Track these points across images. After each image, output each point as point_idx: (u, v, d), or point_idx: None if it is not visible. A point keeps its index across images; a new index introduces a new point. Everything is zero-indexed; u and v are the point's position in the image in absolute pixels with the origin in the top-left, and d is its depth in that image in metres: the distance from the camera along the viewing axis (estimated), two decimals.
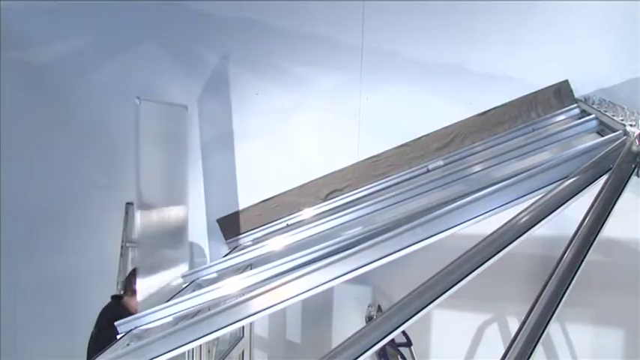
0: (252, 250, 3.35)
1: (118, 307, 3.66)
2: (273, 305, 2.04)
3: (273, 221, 4.01)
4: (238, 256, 3.38)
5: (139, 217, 3.32)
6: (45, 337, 4.50)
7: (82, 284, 4.18)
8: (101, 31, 4.34)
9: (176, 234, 3.75)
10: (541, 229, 1.97)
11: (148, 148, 3.45)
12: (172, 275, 3.58)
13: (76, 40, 4.35)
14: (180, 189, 3.89)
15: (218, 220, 4.17)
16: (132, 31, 4.33)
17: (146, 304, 3.21)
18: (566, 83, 3.74)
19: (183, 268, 3.73)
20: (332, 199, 3.94)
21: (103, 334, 3.44)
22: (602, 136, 2.86)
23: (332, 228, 3.40)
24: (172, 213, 3.73)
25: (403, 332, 3.53)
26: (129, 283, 3.73)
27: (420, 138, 3.88)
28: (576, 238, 2.00)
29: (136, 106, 3.35)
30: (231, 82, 4.24)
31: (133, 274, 3.69)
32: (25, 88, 4.43)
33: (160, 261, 3.54)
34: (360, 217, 3.45)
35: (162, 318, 2.73)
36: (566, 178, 2.07)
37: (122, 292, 3.79)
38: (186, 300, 2.71)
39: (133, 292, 3.56)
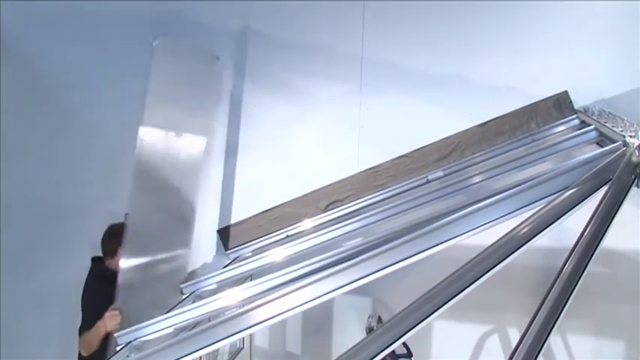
0: (252, 261, 3.35)
1: (101, 267, 3.57)
2: (274, 316, 2.04)
3: (273, 232, 4.01)
4: (238, 267, 3.39)
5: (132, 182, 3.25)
6: (45, 351, 4.48)
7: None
8: (101, 41, 4.35)
9: (179, 218, 3.72)
10: (541, 240, 1.98)
11: (159, 103, 3.27)
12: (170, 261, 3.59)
13: (75, 51, 4.36)
14: (193, 162, 3.79)
15: (218, 231, 4.17)
16: (132, 41, 4.34)
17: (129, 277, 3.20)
18: (565, 94, 3.75)
19: (184, 259, 3.73)
20: (332, 209, 3.94)
21: (88, 290, 3.51)
22: (602, 147, 2.87)
23: (332, 239, 3.41)
24: (177, 190, 3.67)
25: (404, 343, 3.52)
26: (106, 244, 3.59)
27: (420, 148, 3.89)
28: (577, 249, 2.01)
29: (151, 48, 3.21)
30: (231, 92, 4.25)
31: (109, 235, 3.58)
32: (25, 100, 4.44)
33: (153, 238, 3.47)
34: (361, 227, 3.46)
35: (162, 329, 2.73)
36: (566, 189, 2.08)
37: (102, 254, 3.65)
38: (186, 311, 2.71)
39: (113, 253, 3.48)
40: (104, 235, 3.60)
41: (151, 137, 3.36)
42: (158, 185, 3.52)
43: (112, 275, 3.25)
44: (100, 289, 3.32)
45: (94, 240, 4.15)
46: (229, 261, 4.02)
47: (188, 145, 3.78)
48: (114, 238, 3.45)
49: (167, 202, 3.65)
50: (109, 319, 3.12)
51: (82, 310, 3.47)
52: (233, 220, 4.20)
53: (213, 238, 4.24)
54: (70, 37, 4.38)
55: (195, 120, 3.81)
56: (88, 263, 3.70)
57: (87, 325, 3.30)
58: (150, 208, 3.45)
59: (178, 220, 3.76)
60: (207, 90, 3.88)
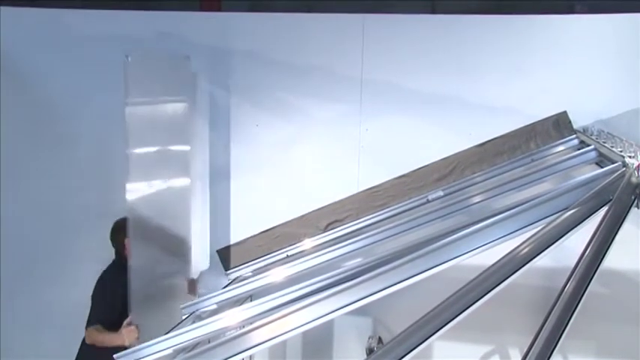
0: (252, 282, 3.34)
1: (118, 260, 3.74)
2: (274, 337, 2.03)
3: (273, 252, 4.00)
4: (238, 287, 3.37)
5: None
6: None
7: (80, 315, 4.14)
8: (101, 63, 4.35)
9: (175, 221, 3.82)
10: (542, 260, 1.97)
11: (139, 119, 3.48)
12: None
13: (76, 72, 4.37)
14: (181, 168, 3.89)
15: (218, 251, 4.16)
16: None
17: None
18: (564, 114, 3.77)
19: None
20: (332, 229, 3.93)
21: (103, 278, 3.68)
22: (602, 167, 2.88)
23: (332, 259, 3.39)
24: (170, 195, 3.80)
25: None
26: (114, 240, 3.77)
27: (419, 169, 3.90)
28: (577, 269, 2.01)
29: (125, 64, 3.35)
30: (231, 113, 4.26)
31: (114, 231, 3.77)
32: (25, 119, 4.44)
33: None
34: (361, 247, 3.45)
35: (161, 350, 2.71)
36: (566, 209, 2.08)
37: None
38: (185, 332, 2.69)
39: (122, 247, 3.68)
40: (110, 233, 3.79)
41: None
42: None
43: (127, 266, 3.56)
44: (117, 279, 3.56)
45: (92, 257, 4.16)
46: (229, 281, 4.01)
47: (175, 167, 3.92)
48: (118, 232, 3.72)
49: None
50: (128, 334, 3.34)
51: (95, 297, 3.63)
52: (232, 241, 4.19)
53: (207, 257, 4.25)
54: (68, 59, 4.39)
55: (178, 133, 3.91)
56: (85, 284, 3.73)
57: (98, 316, 3.51)
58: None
59: (176, 248, 3.88)
60: (183, 96, 3.94)
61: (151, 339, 2.72)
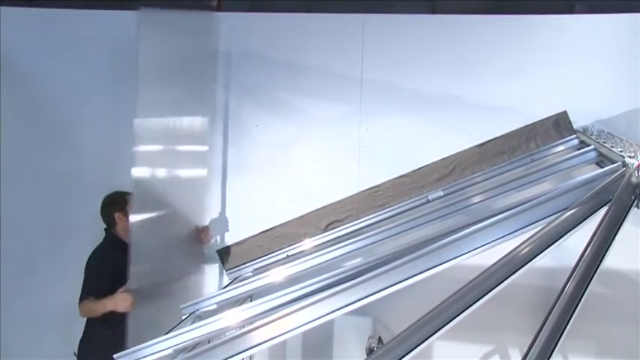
0: (252, 281, 3.33)
1: (111, 234, 3.75)
2: (274, 337, 2.03)
3: (273, 252, 4.00)
4: (238, 287, 3.37)
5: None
6: None
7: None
8: (101, 63, 4.36)
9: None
10: (542, 260, 1.97)
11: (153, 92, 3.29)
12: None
13: (76, 72, 4.37)
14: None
15: (218, 251, 4.16)
16: (127, 63, 4.33)
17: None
18: (564, 114, 3.77)
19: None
20: (332, 229, 3.93)
21: (95, 254, 3.68)
22: (602, 167, 2.89)
23: (333, 259, 3.39)
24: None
25: None
26: (104, 216, 3.76)
27: (419, 168, 3.89)
28: (577, 269, 2.01)
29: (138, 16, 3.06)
30: (231, 113, 4.26)
31: (104, 206, 3.75)
32: (24, 118, 4.44)
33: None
34: (361, 247, 3.45)
35: (161, 350, 2.71)
36: (566, 209, 2.08)
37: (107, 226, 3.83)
38: (185, 332, 2.69)
39: (113, 222, 3.71)
40: (100, 209, 3.78)
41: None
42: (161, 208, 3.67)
43: (119, 241, 3.60)
44: (108, 253, 3.62)
45: None
46: (229, 281, 4.01)
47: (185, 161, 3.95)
48: (108, 208, 3.73)
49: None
50: (121, 301, 3.31)
51: (87, 272, 3.63)
52: (232, 240, 4.19)
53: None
54: (68, 59, 4.39)
55: (194, 101, 3.87)
56: None
57: (90, 289, 3.51)
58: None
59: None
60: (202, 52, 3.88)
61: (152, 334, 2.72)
